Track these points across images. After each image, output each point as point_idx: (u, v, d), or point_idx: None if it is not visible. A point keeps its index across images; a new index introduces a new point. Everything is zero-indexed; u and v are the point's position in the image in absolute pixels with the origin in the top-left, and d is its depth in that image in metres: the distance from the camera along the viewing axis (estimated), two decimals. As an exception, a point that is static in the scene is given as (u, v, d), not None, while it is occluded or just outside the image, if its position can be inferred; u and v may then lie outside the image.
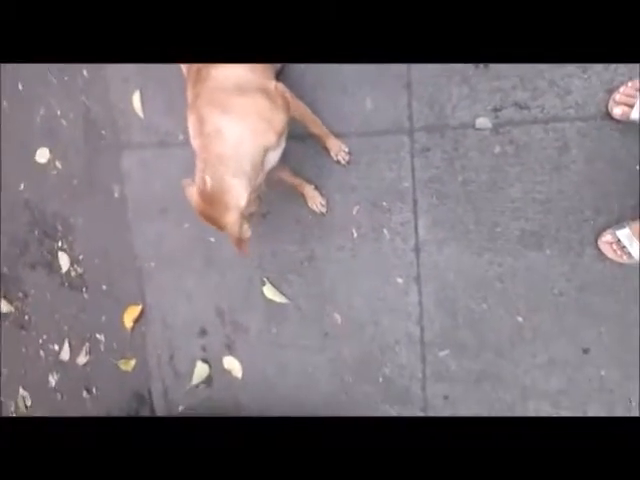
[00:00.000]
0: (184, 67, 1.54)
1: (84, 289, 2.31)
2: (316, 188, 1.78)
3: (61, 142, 2.20)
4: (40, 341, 2.50)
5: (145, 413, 2.29)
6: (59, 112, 2.17)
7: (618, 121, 1.41)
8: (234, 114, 1.32)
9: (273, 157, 1.43)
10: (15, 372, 2.57)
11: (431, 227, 1.68)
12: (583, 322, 1.57)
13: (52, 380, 2.49)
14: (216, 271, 2.03)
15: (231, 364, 2.09)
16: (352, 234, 1.79)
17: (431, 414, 1.80)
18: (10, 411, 2.61)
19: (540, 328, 1.62)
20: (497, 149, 1.56)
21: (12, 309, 2.53)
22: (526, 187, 1.56)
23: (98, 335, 2.34)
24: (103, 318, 2.30)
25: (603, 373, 1.58)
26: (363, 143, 1.70)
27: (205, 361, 2.13)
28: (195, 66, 1.41)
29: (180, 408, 2.22)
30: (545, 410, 1.66)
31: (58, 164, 2.22)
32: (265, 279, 1.95)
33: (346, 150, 1.71)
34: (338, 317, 1.87)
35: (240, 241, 1.37)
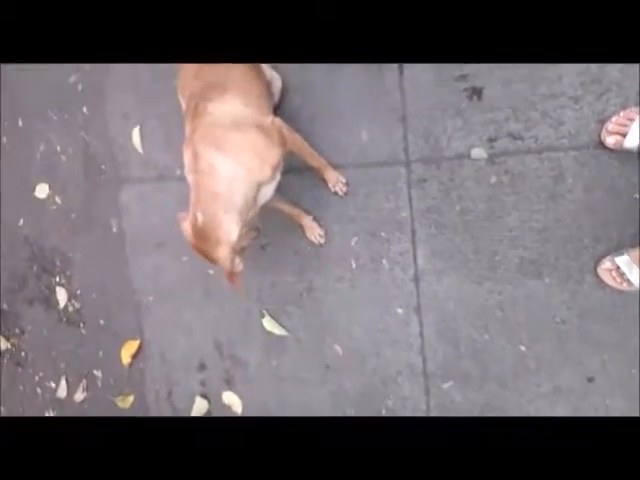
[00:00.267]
0: (183, 102, 1.56)
1: (81, 324, 2.29)
2: (314, 219, 1.78)
3: (61, 177, 2.21)
4: (37, 378, 2.46)
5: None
6: (59, 148, 2.20)
7: (612, 150, 1.43)
8: (228, 151, 1.33)
9: (267, 191, 1.44)
10: (12, 410, 2.52)
11: (430, 257, 1.68)
12: (586, 350, 1.56)
13: (48, 418, 2.44)
14: (215, 304, 2.01)
15: (230, 399, 2.05)
16: (351, 265, 1.79)
17: (436, 447, 1.76)
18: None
19: (543, 357, 1.60)
20: (493, 179, 1.58)
21: (9, 346, 2.50)
22: (523, 216, 1.57)
23: (95, 371, 2.30)
24: (100, 354, 2.27)
25: (608, 402, 1.56)
26: (360, 174, 1.72)
27: (204, 396, 2.10)
28: (193, 101, 1.43)
29: (179, 445, 2.16)
30: (552, 442, 1.63)
31: (57, 199, 2.23)
32: (264, 311, 1.93)
33: (344, 181, 1.72)
34: (339, 349, 1.85)
35: (232, 275, 1.37)
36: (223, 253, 1.32)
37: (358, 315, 1.81)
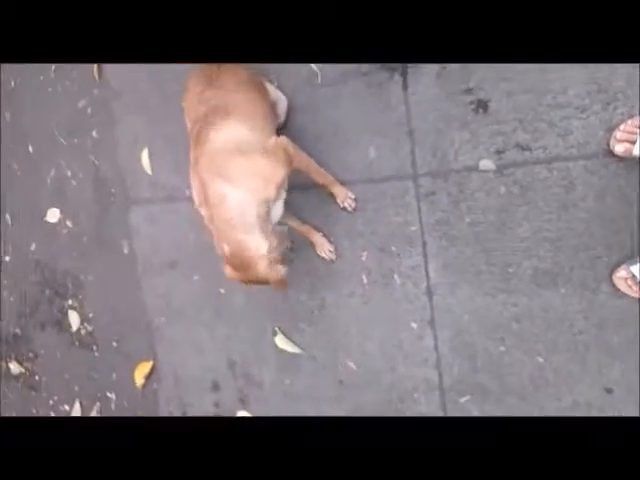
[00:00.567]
0: (189, 125, 1.58)
1: (94, 347, 2.30)
2: (324, 235, 1.79)
3: (71, 202, 2.24)
4: (51, 402, 2.47)
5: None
6: (69, 172, 2.23)
7: (621, 158, 1.43)
8: (233, 178, 1.36)
9: (277, 208, 1.47)
10: (25, 435, 2.52)
11: (442, 270, 1.68)
12: (604, 360, 1.54)
13: (62, 442, 2.44)
14: (227, 323, 2.02)
15: (245, 419, 2.04)
16: (362, 280, 1.78)
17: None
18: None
19: (561, 368, 1.58)
20: (502, 190, 1.58)
21: (23, 370, 2.52)
22: (535, 226, 1.56)
23: (109, 394, 2.30)
24: (114, 376, 2.28)
25: (626, 413, 1.53)
26: (369, 190, 1.72)
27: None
28: (196, 128, 1.45)
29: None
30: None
31: (68, 223, 2.26)
32: (277, 329, 1.93)
33: (352, 197, 1.73)
34: (353, 365, 1.84)
35: (281, 282, 1.42)
36: (263, 268, 1.36)
37: (371, 331, 1.80)
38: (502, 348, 1.65)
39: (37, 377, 2.49)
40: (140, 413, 2.23)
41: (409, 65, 1.62)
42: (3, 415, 2.55)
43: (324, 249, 1.79)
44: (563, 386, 1.59)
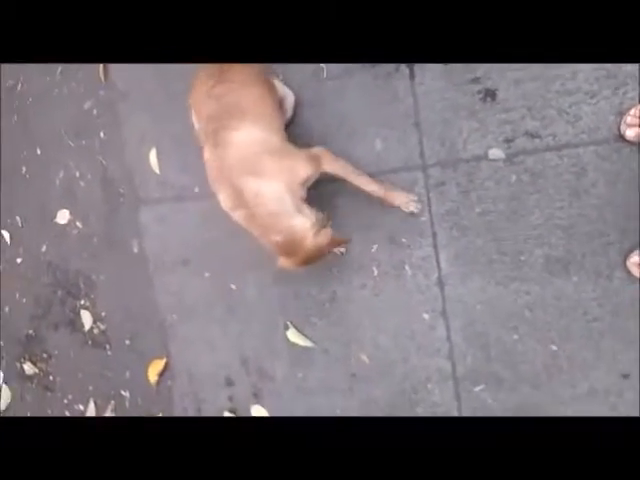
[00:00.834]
0: (197, 121, 1.57)
1: (107, 346, 2.30)
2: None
3: (80, 203, 2.24)
4: (65, 401, 2.47)
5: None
6: (77, 174, 2.23)
7: (632, 143, 1.41)
8: (264, 173, 1.40)
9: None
10: (41, 435, 2.54)
11: (453, 260, 1.67)
12: (619, 346, 1.53)
13: (79, 441, 2.44)
14: (239, 319, 2.01)
15: (259, 413, 2.04)
16: (373, 272, 1.77)
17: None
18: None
19: (576, 356, 1.57)
20: (513, 178, 1.56)
21: (37, 371, 2.52)
22: (546, 214, 1.55)
23: (123, 392, 2.31)
24: (127, 374, 2.28)
25: (647, 398, 1.52)
26: (377, 182, 1.71)
27: (232, 411, 2.09)
28: (211, 125, 1.45)
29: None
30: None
31: (78, 224, 2.26)
32: (288, 323, 1.93)
33: (415, 198, 1.63)
34: (365, 357, 1.83)
35: (335, 241, 1.46)
36: (312, 240, 1.40)
37: (383, 322, 1.79)
38: (515, 337, 1.63)
39: (51, 377, 2.49)
40: (155, 410, 2.23)
41: (415, 56, 1.61)
42: (18, 415, 2.56)
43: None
44: (578, 373, 1.58)
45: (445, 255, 1.67)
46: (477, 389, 1.70)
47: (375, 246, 1.75)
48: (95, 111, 2.15)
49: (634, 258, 1.45)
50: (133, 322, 2.22)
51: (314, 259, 1.46)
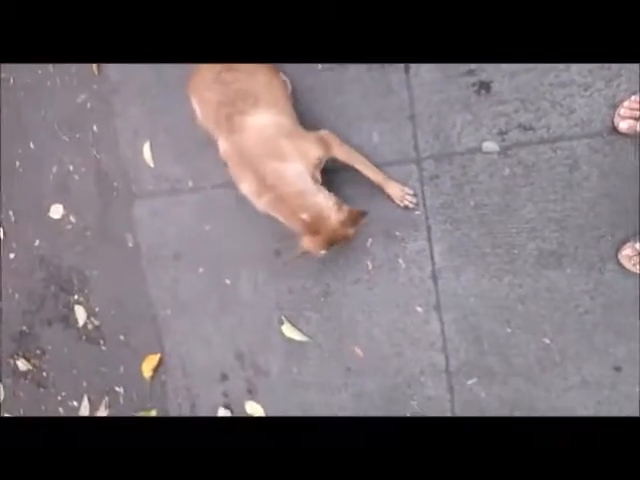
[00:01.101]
0: (198, 104, 1.53)
1: (101, 341, 2.28)
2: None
3: (74, 197, 2.22)
4: (59, 398, 2.44)
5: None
6: (71, 168, 2.20)
7: (626, 135, 1.40)
8: (285, 156, 1.44)
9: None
10: (34, 431, 2.51)
11: (447, 253, 1.66)
12: (612, 339, 1.52)
13: (72, 437, 2.42)
14: (233, 314, 2.00)
15: (253, 408, 2.02)
16: (367, 266, 1.76)
17: (464, 446, 1.72)
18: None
19: (568, 349, 1.57)
20: (506, 171, 1.56)
21: (30, 367, 2.49)
22: (539, 207, 1.54)
23: (117, 388, 2.28)
24: (121, 369, 2.26)
25: (638, 390, 1.51)
26: (372, 175, 1.70)
27: (227, 407, 2.07)
28: (223, 111, 1.44)
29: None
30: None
31: (72, 218, 2.23)
32: (283, 317, 1.91)
33: (411, 192, 1.64)
34: (359, 351, 1.82)
35: (357, 214, 1.46)
36: (336, 216, 1.43)
37: (377, 316, 1.78)
38: (508, 330, 1.63)
39: (45, 374, 2.46)
40: (149, 406, 2.21)
41: (410, 48, 1.59)
42: (12, 413, 2.54)
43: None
44: (570, 366, 1.57)
45: (439, 248, 1.66)
46: (470, 382, 1.69)
47: (370, 240, 1.74)
48: (89, 104, 2.13)
49: (626, 251, 1.44)
50: (127, 317, 2.20)
51: (338, 238, 1.47)
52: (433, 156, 1.62)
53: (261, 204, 1.48)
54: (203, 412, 2.11)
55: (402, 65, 1.62)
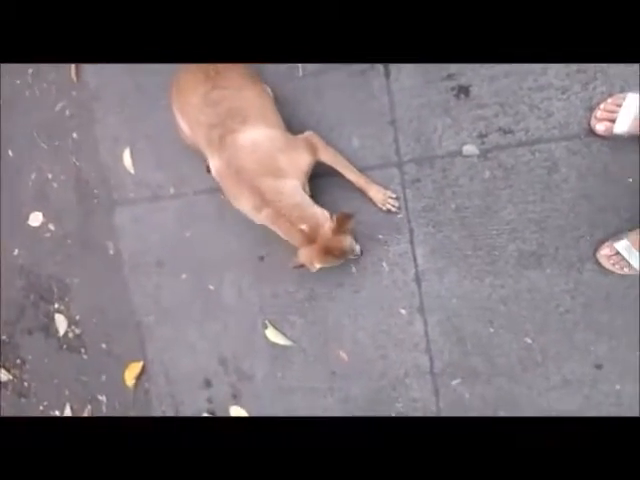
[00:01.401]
0: (189, 126, 1.47)
1: (83, 350, 2.17)
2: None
3: (53, 205, 2.11)
4: (41, 408, 2.32)
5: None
6: (50, 175, 2.10)
7: (602, 137, 1.38)
8: (281, 171, 1.40)
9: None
10: (15, 443, 2.38)
11: (429, 256, 1.61)
12: (592, 338, 1.49)
13: (54, 448, 2.30)
14: (217, 319, 1.92)
15: (238, 414, 1.94)
16: (351, 269, 1.71)
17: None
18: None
19: (550, 348, 1.53)
20: (487, 174, 1.52)
21: (11, 377, 2.37)
22: (519, 208, 1.51)
23: (100, 396, 2.18)
24: (104, 378, 2.15)
25: (618, 387, 1.49)
26: (354, 179, 1.64)
27: (211, 413, 1.99)
28: (216, 132, 1.39)
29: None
30: (565, 432, 1.55)
31: (51, 226, 2.12)
32: (267, 322, 1.84)
33: (393, 196, 1.60)
34: (344, 355, 1.76)
35: (340, 220, 1.41)
36: (329, 225, 1.40)
37: (361, 320, 1.72)
38: (491, 330, 1.59)
39: (26, 383, 2.34)
40: (132, 414, 2.11)
41: (390, 53, 1.55)
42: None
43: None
44: (552, 365, 1.54)
45: (422, 251, 1.62)
46: (454, 383, 1.64)
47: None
48: (67, 112, 2.03)
49: (605, 250, 1.42)
50: (109, 325, 2.10)
51: (333, 246, 1.42)
52: (414, 160, 1.58)
53: (260, 219, 1.44)
54: (188, 419, 2.02)
55: (382, 70, 1.57)
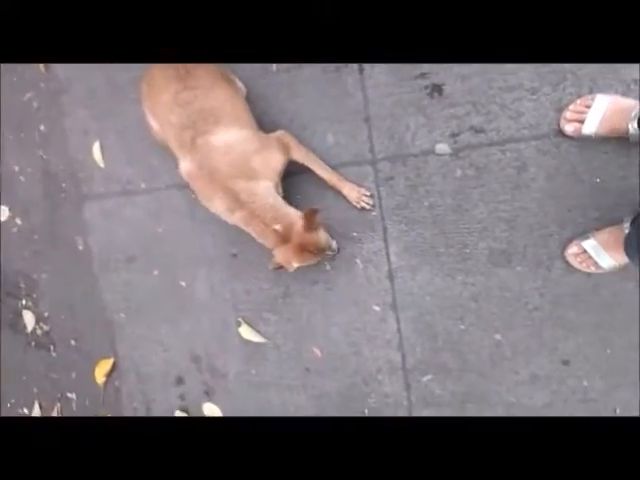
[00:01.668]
0: (159, 124, 1.41)
1: (52, 347, 2.07)
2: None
3: (20, 198, 2.00)
4: (9, 405, 2.22)
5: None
6: (17, 168, 1.98)
7: (571, 137, 1.36)
8: (254, 173, 1.35)
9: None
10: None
11: (403, 253, 1.58)
12: (560, 334, 1.49)
13: (22, 447, 2.19)
14: (189, 316, 1.85)
15: (211, 411, 1.88)
16: (325, 267, 1.66)
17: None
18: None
19: (519, 344, 1.52)
20: (458, 172, 1.49)
21: (-24, 375, 2.25)
22: (490, 207, 1.48)
23: (69, 394, 2.08)
24: (73, 375, 2.06)
25: (586, 383, 1.48)
26: (328, 176, 1.59)
27: (184, 410, 1.92)
28: (188, 133, 1.32)
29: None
30: (532, 426, 1.54)
31: (18, 221, 2.01)
32: (240, 319, 1.78)
33: (368, 194, 1.55)
34: (318, 352, 1.72)
35: (307, 216, 1.35)
36: (301, 222, 1.35)
37: (335, 316, 1.68)
38: (462, 327, 1.57)
39: (-7, 381, 2.23)
40: (102, 411, 2.02)
41: (364, 50, 1.50)
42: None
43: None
44: (521, 361, 1.53)
45: (395, 248, 1.58)
46: (425, 379, 1.62)
47: (326, 241, 1.64)
48: (35, 103, 1.92)
49: (572, 249, 1.41)
50: (78, 322, 2.00)
51: (307, 243, 1.36)
52: (388, 158, 1.54)
53: (234, 220, 1.38)
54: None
55: (357, 67, 1.52)
